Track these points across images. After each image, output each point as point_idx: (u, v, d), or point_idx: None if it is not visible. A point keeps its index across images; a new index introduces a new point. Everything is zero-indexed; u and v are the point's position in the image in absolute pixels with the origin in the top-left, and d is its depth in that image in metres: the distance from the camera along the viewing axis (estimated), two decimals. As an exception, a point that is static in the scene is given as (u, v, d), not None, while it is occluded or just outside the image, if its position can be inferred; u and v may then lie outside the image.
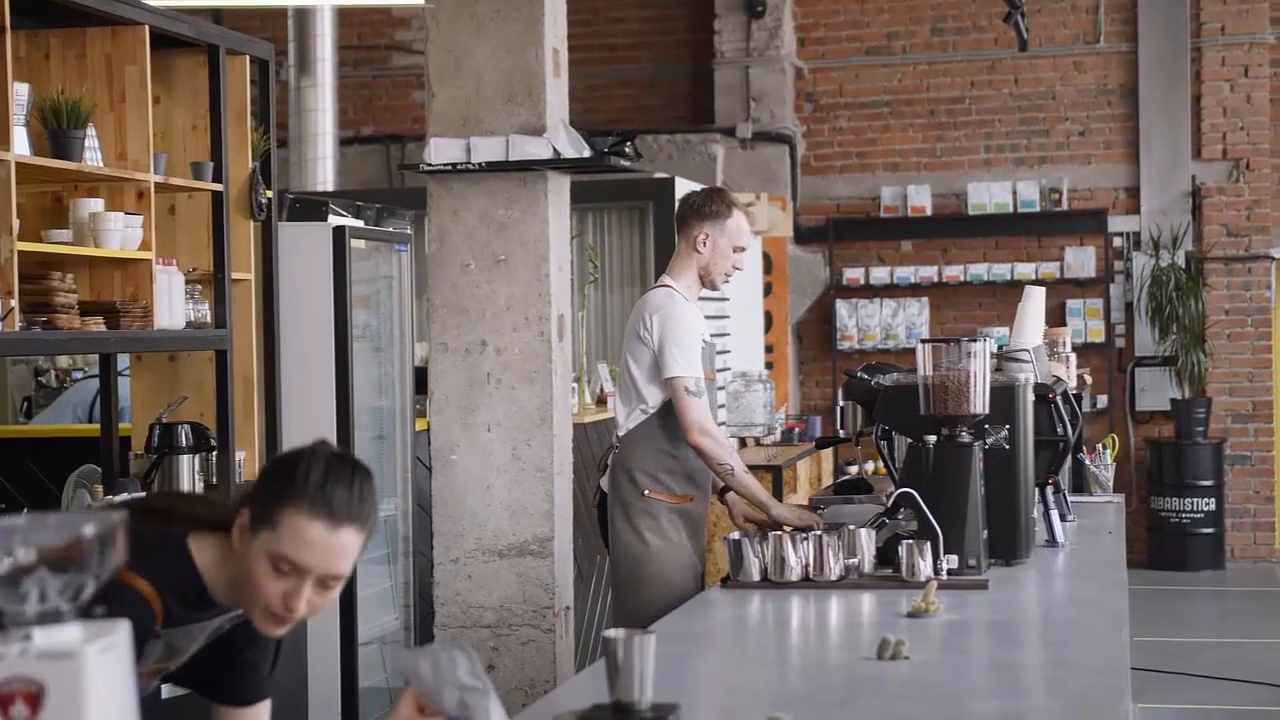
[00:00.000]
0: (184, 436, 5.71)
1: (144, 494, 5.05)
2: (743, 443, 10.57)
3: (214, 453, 5.85)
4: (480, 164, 5.88)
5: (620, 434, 5.49)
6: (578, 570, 6.88)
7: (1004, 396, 4.84)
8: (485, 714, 2.44)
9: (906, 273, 13.35)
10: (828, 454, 11.33)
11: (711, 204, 5.46)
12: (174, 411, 5.87)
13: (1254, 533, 13.09)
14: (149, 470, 5.67)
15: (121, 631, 1.89)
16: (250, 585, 2.83)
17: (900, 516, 4.76)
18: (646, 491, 5.39)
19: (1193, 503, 12.66)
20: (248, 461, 6.08)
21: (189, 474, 5.68)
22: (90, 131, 5.24)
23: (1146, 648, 9.44)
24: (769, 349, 12.65)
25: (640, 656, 2.89)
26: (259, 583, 2.82)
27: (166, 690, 5.05)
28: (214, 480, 5.87)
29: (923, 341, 4.75)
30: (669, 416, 5.35)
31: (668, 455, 5.40)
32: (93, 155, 5.25)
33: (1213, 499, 12.68)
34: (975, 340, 4.70)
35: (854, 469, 10.64)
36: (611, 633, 2.88)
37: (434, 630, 6.08)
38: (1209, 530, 12.69)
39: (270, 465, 2.95)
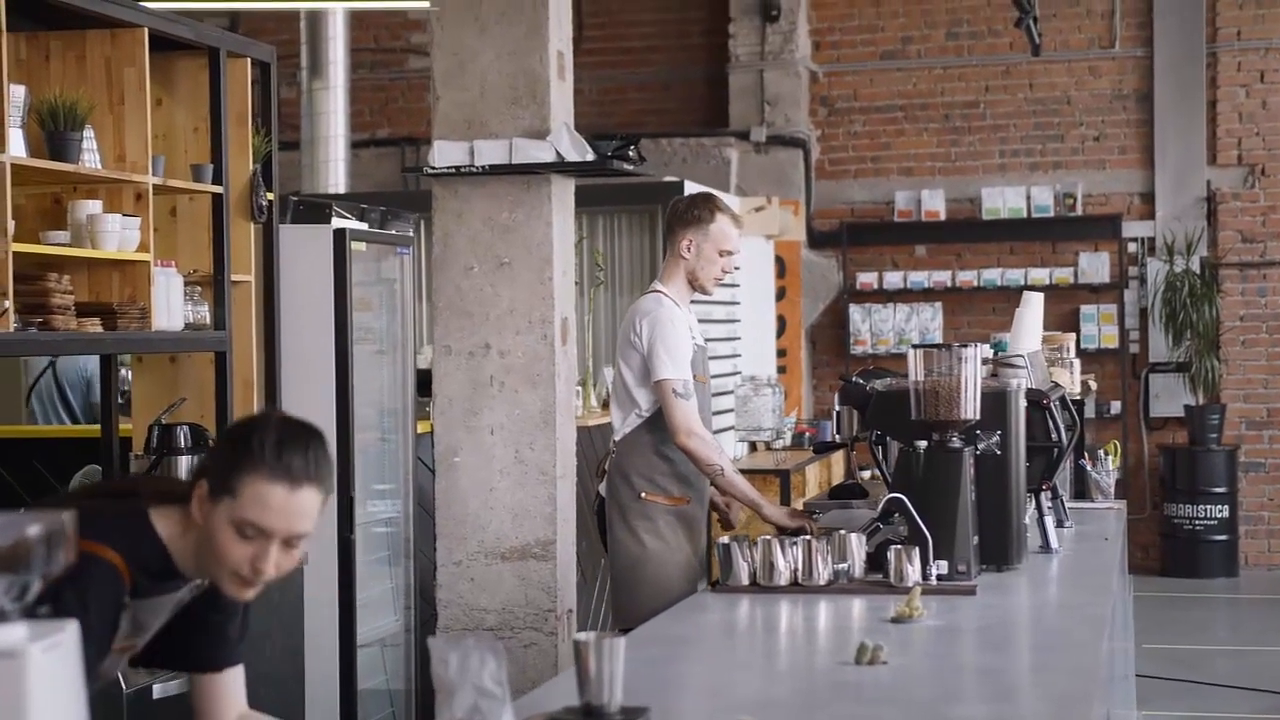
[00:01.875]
0: (183, 438, 5.72)
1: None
2: (752, 447, 10.56)
3: (213, 454, 5.87)
4: (484, 167, 5.89)
5: (616, 439, 5.51)
6: (581, 573, 6.88)
7: (996, 402, 4.83)
8: None
9: (920, 277, 13.32)
10: (839, 459, 11.30)
11: (695, 209, 5.47)
12: (173, 413, 5.89)
13: (1268, 540, 13.03)
14: (148, 471, 5.69)
15: (68, 631, 1.91)
16: (216, 552, 2.91)
17: (894, 521, 4.76)
18: (643, 494, 5.41)
19: (1206, 509, 12.61)
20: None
21: (187, 475, 5.70)
22: (88, 133, 5.25)
23: (1157, 655, 9.41)
24: (782, 353, 12.64)
25: (610, 659, 2.89)
26: (225, 549, 2.90)
27: (159, 690, 5.10)
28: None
29: (914, 347, 4.75)
30: (663, 420, 5.36)
31: (663, 458, 5.41)
32: (91, 157, 5.27)
33: (1226, 506, 12.64)
34: (967, 346, 4.69)
35: (866, 474, 10.60)
36: (580, 636, 2.89)
37: (436, 633, 6.09)
38: (1222, 537, 12.64)
39: (223, 436, 3.05)
